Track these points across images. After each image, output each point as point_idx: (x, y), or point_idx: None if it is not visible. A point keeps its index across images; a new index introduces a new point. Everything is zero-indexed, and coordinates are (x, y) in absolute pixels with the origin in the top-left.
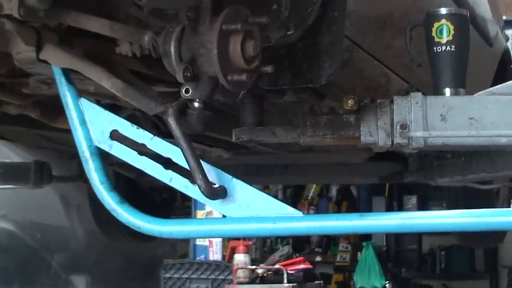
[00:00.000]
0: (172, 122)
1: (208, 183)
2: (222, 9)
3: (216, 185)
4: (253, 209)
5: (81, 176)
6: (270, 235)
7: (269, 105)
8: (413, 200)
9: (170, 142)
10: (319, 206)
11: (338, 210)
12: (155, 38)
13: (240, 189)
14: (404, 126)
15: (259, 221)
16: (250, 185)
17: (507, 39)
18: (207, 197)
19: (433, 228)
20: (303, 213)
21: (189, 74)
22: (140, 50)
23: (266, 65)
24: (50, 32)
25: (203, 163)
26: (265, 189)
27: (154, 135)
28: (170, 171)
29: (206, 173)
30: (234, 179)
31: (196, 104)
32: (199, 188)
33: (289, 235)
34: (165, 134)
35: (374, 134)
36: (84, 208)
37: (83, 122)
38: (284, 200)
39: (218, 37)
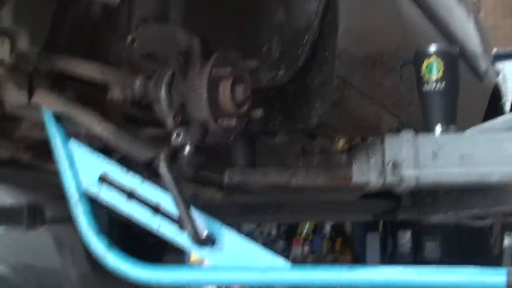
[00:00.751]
0: (163, 168)
1: (197, 231)
2: (212, 54)
3: (205, 233)
4: (242, 258)
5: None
6: (259, 286)
7: (261, 145)
8: (408, 235)
9: (160, 186)
10: (313, 243)
11: (332, 247)
12: (146, 83)
13: (229, 237)
14: (395, 165)
15: (248, 270)
16: (239, 233)
17: (497, 73)
18: (195, 245)
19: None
20: (291, 264)
21: (179, 120)
22: (131, 93)
23: (256, 109)
24: (41, 76)
25: (193, 210)
26: (258, 226)
27: (144, 179)
28: (158, 217)
29: (196, 220)
30: (224, 227)
31: (187, 149)
32: (188, 236)
33: (278, 286)
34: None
35: (366, 173)
36: (78, 250)
37: (72, 165)
38: (278, 237)
39: (207, 82)
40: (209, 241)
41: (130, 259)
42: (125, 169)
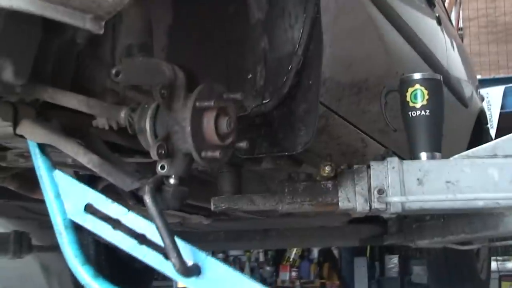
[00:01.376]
0: (148, 200)
1: (182, 261)
2: (197, 86)
3: (190, 263)
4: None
5: None
6: None
7: (247, 172)
8: (395, 260)
9: (145, 216)
10: (301, 268)
11: (320, 272)
12: (131, 115)
13: (214, 267)
14: (381, 191)
15: None
16: (224, 263)
17: (482, 99)
18: (180, 275)
19: None
20: None
21: (163, 151)
22: (117, 124)
23: (241, 140)
24: (26, 107)
25: (178, 240)
26: (246, 251)
27: (129, 210)
28: (144, 247)
29: (181, 250)
30: (208, 257)
31: (171, 181)
32: (173, 266)
33: None
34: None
35: (352, 199)
36: (65, 276)
37: (57, 195)
38: (266, 262)
39: (191, 114)
40: (194, 271)
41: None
42: (110, 199)
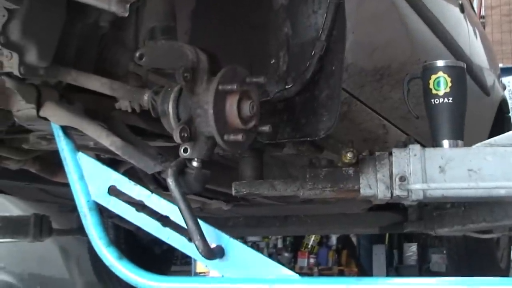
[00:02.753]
0: (171, 183)
1: (206, 244)
2: (220, 69)
3: (214, 245)
4: (250, 269)
5: (81, 229)
6: None
7: (268, 157)
8: (414, 247)
9: (167, 199)
10: (319, 255)
11: (338, 259)
12: (154, 98)
13: (237, 249)
14: (403, 179)
15: (256, 282)
16: (247, 246)
17: (504, 87)
18: (204, 257)
19: None
20: (299, 275)
21: (186, 135)
22: (139, 107)
23: (264, 125)
24: (50, 90)
25: (201, 223)
26: (264, 238)
27: (152, 192)
28: (167, 229)
29: (204, 233)
30: (231, 239)
31: (194, 164)
32: (197, 248)
33: None
34: (164, 187)
35: (374, 186)
36: (84, 259)
37: (81, 177)
38: (284, 248)
39: (214, 97)
40: (217, 253)
41: (140, 270)
42: (133, 181)
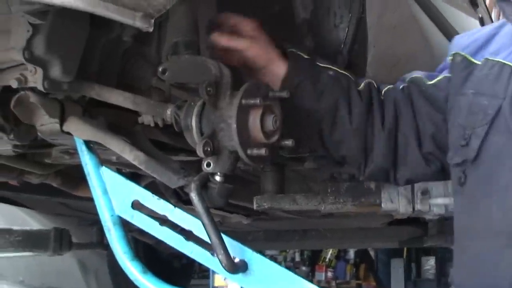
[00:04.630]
0: (194, 197)
1: (229, 258)
2: (243, 83)
3: (237, 259)
4: (273, 284)
5: (101, 243)
6: None
7: (289, 171)
8: (432, 261)
9: (190, 213)
10: (337, 268)
11: (356, 273)
12: (177, 112)
13: (260, 263)
14: (425, 192)
15: None
16: (271, 260)
17: None
18: (227, 271)
19: None
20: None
21: (209, 149)
22: (162, 121)
23: (287, 139)
24: (73, 104)
25: (224, 237)
26: (282, 251)
27: (175, 206)
28: (191, 243)
29: (227, 247)
30: (254, 253)
31: (217, 178)
32: (220, 263)
33: None
34: (185, 201)
35: (395, 200)
36: (102, 273)
37: (105, 192)
38: (302, 262)
39: (237, 111)
40: (241, 267)
41: (165, 284)
42: (156, 195)
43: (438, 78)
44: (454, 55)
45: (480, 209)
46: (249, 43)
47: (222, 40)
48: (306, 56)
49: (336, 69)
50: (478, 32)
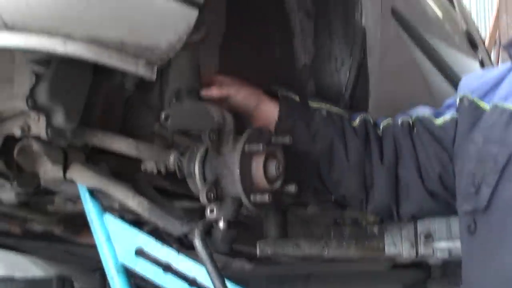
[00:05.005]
0: (198, 244)
1: None
2: (245, 129)
3: None
4: None
5: None
6: None
7: (291, 215)
8: None
9: (194, 258)
10: None
11: None
12: (180, 159)
13: None
14: (428, 236)
15: None
16: None
17: None
18: None
19: None
20: None
21: (212, 195)
22: (165, 168)
23: (290, 184)
24: (76, 151)
25: (228, 283)
26: None
27: (179, 253)
28: None
29: None
30: None
31: (221, 224)
32: None
33: None
34: (188, 247)
35: (398, 245)
36: None
37: (108, 239)
38: None
39: (240, 158)
40: None
41: None
42: (160, 242)
43: (445, 119)
44: (462, 98)
45: (492, 258)
46: (236, 87)
47: (212, 92)
48: (297, 98)
49: (329, 107)
50: (487, 75)
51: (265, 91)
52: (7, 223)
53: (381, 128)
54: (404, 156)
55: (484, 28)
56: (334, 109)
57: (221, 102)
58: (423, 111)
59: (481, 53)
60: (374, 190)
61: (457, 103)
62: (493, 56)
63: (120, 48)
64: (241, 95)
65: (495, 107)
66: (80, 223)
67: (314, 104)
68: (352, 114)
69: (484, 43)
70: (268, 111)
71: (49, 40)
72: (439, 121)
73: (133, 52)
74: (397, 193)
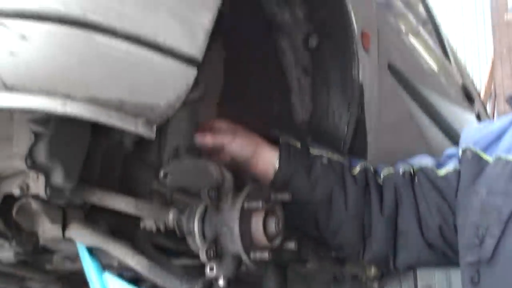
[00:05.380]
0: None
1: None
2: (244, 186)
3: None
4: None
5: None
6: None
7: (290, 272)
8: None
9: None
10: None
11: None
12: (179, 216)
13: None
14: None
15: None
16: None
17: None
18: None
19: None
20: None
21: (212, 253)
22: (164, 226)
23: (289, 241)
24: (75, 210)
25: None
26: None
27: None
28: None
29: None
30: None
31: (220, 282)
32: None
33: None
34: None
35: None
36: None
37: None
38: None
39: (240, 215)
40: None
41: None
42: None
43: (448, 170)
44: (465, 150)
45: None
46: (231, 135)
47: (207, 139)
48: (298, 145)
49: (329, 154)
50: (488, 127)
51: (263, 135)
52: (5, 282)
53: (381, 177)
54: (405, 207)
55: (479, 80)
56: (335, 157)
57: (217, 152)
58: (425, 161)
59: (478, 106)
60: (372, 240)
61: (460, 154)
62: (488, 108)
63: (119, 107)
64: (237, 143)
65: (498, 159)
66: (79, 282)
67: (314, 151)
68: (352, 160)
69: (479, 95)
70: (267, 158)
71: (49, 100)
72: (442, 172)
73: (132, 111)
74: (395, 243)
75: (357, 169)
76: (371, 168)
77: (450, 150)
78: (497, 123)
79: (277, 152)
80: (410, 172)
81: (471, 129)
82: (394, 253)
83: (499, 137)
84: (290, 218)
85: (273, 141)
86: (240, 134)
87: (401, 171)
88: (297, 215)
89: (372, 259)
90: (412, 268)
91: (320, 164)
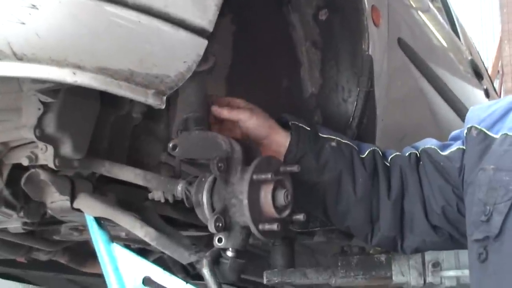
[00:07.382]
0: (206, 274)
1: None
2: (253, 159)
3: None
4: None
5: None
6: None
7: (297, 245)
8: None
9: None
10: None
11: None
12: (187, 188)
13: None
14: (436, 265)
15: None
16: None
17: None
18: None
19: None
20: None
21: (220, 224)
22: (173, 197)
23: (298, 213)
24: (83, 181)
25: None
26: None
27: (187, 283)
28: None
29: None
30: None
31: (229, 253)
32: None
33: None
34: (193, 276)
35: (406, 273)
36: None
37: (116, 269)
38: None
39: (248, 187)
40: None
41: None
42: (167, 271)
43: (451, 150)
44: (470, 128)
45: (504, 285)
46: (249, 113)
47: (223, 112)
48: (308, 128)
49: (339, 138)
50: (494, 105)
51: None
52: (12, 252)
53: (389, 159)
54: (410, 190)
55: (487, 58)
56: (344, 140)
57: (231, 126)
58: (430, 143)
59: (486, 83)
60: (379, 224)
61: (465, 133)
62: (496, 85)
63: (129, 78)
64: (253, 122)
65: (504, 136)
66: (84, 252)
67: (325, 134)
68: (361, 145)
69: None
70: (279, 141)
71: (58, 70)
72: (445, 152)
73: (142, 82)
74: (402, 226)
75: (366, 153)
76: (380, 152)
77: (455, 133)
78: (502, 102)
79: (289, 136)
80: (416, 155)
81: (476, 109)
82: (401, 237)
83: (504, 115)
84: (299, 203)
85: (284, 124)
86: (257, 114)
87: (407, 153)
88: (306, 199)
89: (379, 243)
90: (420, 251)
91: (329, 147)
